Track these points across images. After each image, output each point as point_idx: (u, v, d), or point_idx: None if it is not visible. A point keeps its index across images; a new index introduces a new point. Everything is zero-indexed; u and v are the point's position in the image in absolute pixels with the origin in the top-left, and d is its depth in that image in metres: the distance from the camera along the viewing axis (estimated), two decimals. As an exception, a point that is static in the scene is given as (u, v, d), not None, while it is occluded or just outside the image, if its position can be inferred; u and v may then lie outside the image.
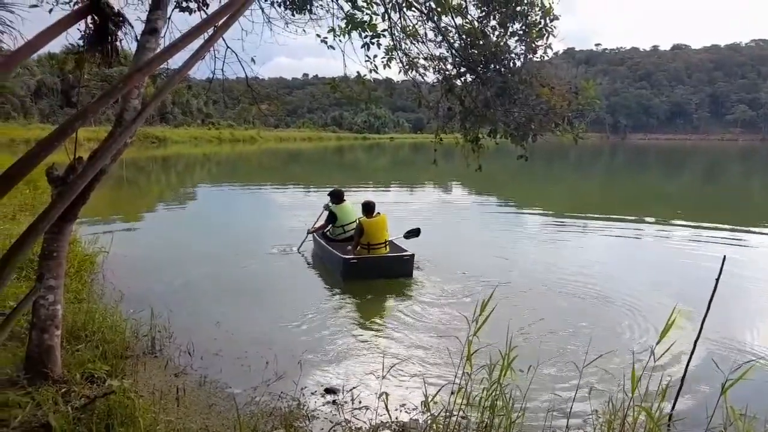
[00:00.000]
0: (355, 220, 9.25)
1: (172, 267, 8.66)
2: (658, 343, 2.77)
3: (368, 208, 8.73)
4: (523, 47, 5.82)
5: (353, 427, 3.75)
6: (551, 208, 17.30)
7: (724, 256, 3.25)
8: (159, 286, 7.45)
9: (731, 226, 13.56)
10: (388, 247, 8.68)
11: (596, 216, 15.06)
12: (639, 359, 2.94)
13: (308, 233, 10.10)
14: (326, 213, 9.91)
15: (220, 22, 3.42)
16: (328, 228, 9.76)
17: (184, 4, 6.30)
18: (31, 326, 3.89)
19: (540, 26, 5.72)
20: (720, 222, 14.10)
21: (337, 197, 9.81)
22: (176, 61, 3.42)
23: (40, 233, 3.02)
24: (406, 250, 8.56)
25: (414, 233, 9.53)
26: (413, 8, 6.16)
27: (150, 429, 3.20)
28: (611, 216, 14.98)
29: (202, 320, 6.07)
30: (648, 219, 14.93)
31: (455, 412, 3.08)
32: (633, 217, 14.89)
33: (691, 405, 4.07)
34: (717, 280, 3.39)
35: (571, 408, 3.16)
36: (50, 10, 5.24)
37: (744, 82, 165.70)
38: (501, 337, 3.02)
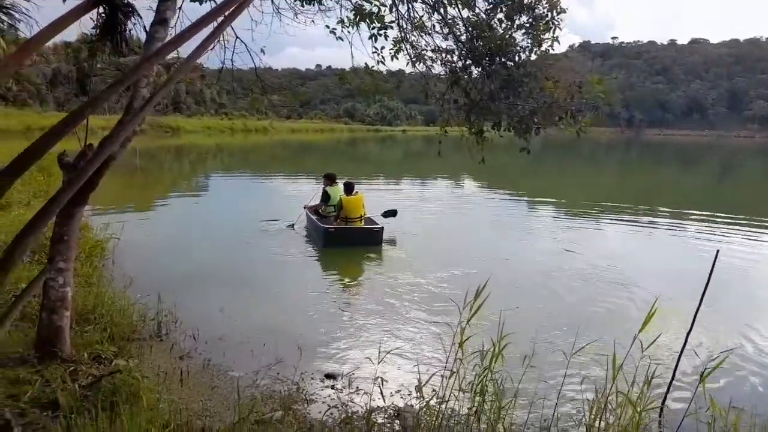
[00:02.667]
0: None
1: (180, 254, 8.85)
2: (639, 331, 2.83)
3: (348, 187, 10.28)
4: (530, 40, 5.83)
5: (350, 411, 3.85)
6: (562, 201, 17.30)
7: (717, 251, 3.31)
8: (167, 273, 7.61)
9: (744, 221, 13.52)
10: (363, 221, 10.19)
11: (607, 209, 15.07)
12: (626, 350, 3.00)
13: (304, 208, 11.39)
14: (321, 191, 11.07)
15: (229, 12, 3.50)
16: (321, 206, 10.95)
17: (195, -5, 6.38)
18: (42, 307, 4.03)
19: (547, 19, 5.73)
20: (732, 217, 14.07)
21: (330, 179, 11.01)
22: (187, 50, 3.50)
23: (50, 217, 3.13)
24: (377, 224, 10.12)
25: (391, 213, 10.96)
26: (420, 0, 6.19)
27: (153, 407, 3.31)
28: (622, 209, 14.98)
29: (208, 306, 6.22)
30: (659, 214, 14.92)
31: (447, 397, 3.16)
32: (644, 212, 14.89)
33: (679, 395, 4.13)
34: (710, 274, 3.44)
35: (559, 394, 3.23)
36: (64, 0, 5.36)
37: (764, 78, 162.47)
38: (494, 324, 3.08)
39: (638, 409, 2.75)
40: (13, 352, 3.93)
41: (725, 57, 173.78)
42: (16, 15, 11.44)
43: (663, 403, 3.58)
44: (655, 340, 2.92)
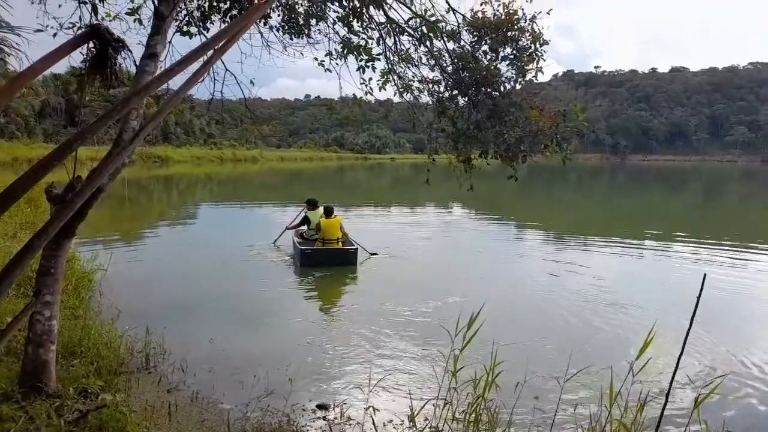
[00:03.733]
0: None
1: (169, 284, 8.78)
2: (636, 359, 2.83)
3: (327, 211, 11.09)
4: (514, 71, 5.97)
5: (342, 443, 3.80)
6: (550, 227, 17.45)
7: (704, 275, 3.33)
8: (155, 303, 7.53)
9: (730, 245, 13.69)
10: (340, 243, 10.82)
11: (594, 234, 15.20)
12: (620, 376, 3.00)
13: (285, 228, 12.26)
14: (302, 215, 11.92)
15: (218, 46, 3.56)
16: (303, 229, 11.70)
17: (185, 29, 6.49)
18: (27, 341, 3.96)
19: (530, 51, 5.88)
20: (718, 241, 14.26)
21: (312, 204, 11.82)
22: (176, 83, 3.54)
23: (37, 249, 3.12)
24: (353, 246, 10.78)
25: (372, 254, 11.41)
26: (406, 33, 6.33)
27: (140, 443, 3.25)
28: (610, 234, 15.10)
29: (196, 336, 6.14)
30: (646, 238, 15.06)
31: (441, 427, 3.13)
32: (631, 236, 15.00)
33: (673, 420, 4.13)
34: (698, 298, 3.46)
35: (553, 421, 3.21)
36: (54, 35, 5.42)
37: (743, 104, 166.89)
38: (486, 351, 3.08)
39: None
40: (-3, 388, 3.85)
41: (705, 85, 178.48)
42: (6, 49, 11.54)
43: (657, 429, 3.57)
44: (645, 365, 2.93)
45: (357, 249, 10.62)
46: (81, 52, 3.92)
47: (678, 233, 15.78)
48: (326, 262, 10.30)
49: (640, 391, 3.12)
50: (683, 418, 4.31)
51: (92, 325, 5.42)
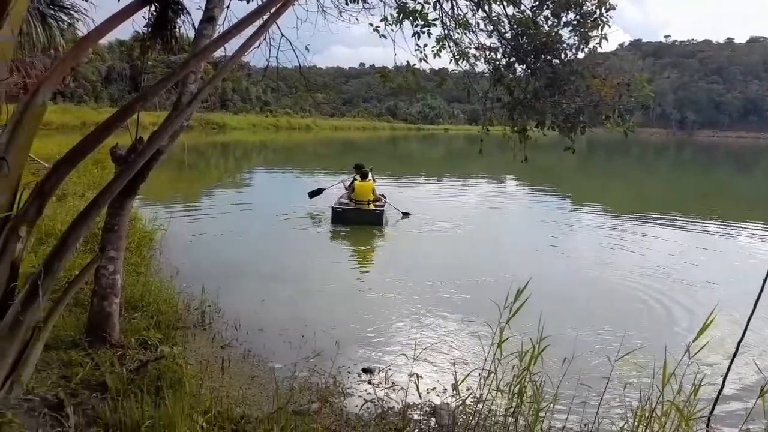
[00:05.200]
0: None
1: (223, 245, 9.10)
2: (694, 340, 2.72)
3: (363, 174, 12.03)
4: (577, 38, 5.70)
5: (386, 406, 3.87)
6: (608, 204, 16.84)
7: (773, 256, 3.13)
8: (211, 264, 7.83)
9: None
10: (371, 205, 11.65)
11: (656, 212, 14.59)
12: (674, 357, 2.89)
13: (340, 182, 13.41)
14: (351, 179, 12.69)
15: (274, 9, 3.56)
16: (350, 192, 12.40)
17: (242, -7, 6.53)
18: (93, 293, 4.21)
19: (595, 16, 5.58)
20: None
21: (357, 168, 12.39)
22: (233, 47, 3.58)
23: (102, 206, 3.27)
24: (380, 208, 11.63)
25: (405, 215, 12.25)
26: (465, -3, 6.14)
27: (195, 393, 3.41)
28: (673, 213, 14.45)
29: (249, 297, 6.36)
30: (712, 218, 14.31)
31: (484, 397, 3.13)
32: (696, 215, 14.30)
33: (729, 407, 3.97)
34: (765, 281, 3.27)
35: (602, 399, 3.14)
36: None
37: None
38: (534, 325, 3.03)
39: (686, 419, 2.65)
40: (66, 336, 4.12)
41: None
42: (75, 15, 11.97)
43: (711, 413, 3.44)
44: (704, 346, 2.80)
45: (383, 211, 11.54)
46: (144, 17, 4.02)
47: (747, 214, 14.93)
48: (354, 220, 11.27)
49: (696, 373, 3.00)
50: (742, 403, 4.14)
51: (152, 281, 5.72)
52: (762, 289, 3.32)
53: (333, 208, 11.43)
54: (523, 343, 3.08)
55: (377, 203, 11.90)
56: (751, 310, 3.44)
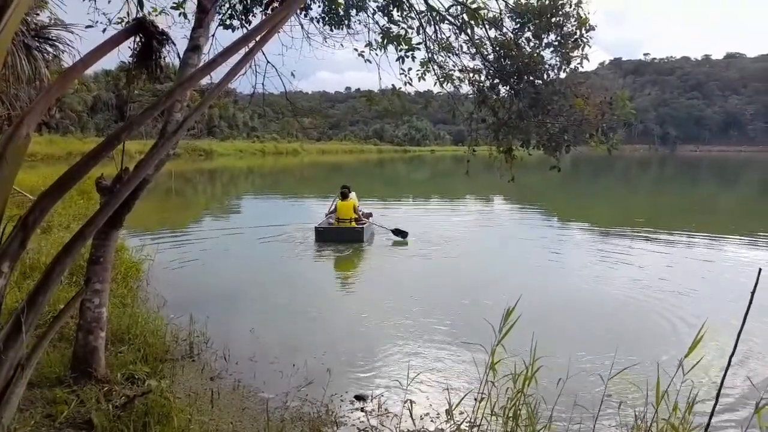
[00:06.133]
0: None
1: (212, 273, 9.00)
2: (686, 356, 2.71)
3: (343, 193, 12.46)
4: (558, 58, 5.79)
5: (379, 434, 3.79)
6: (595, 221, 16.97)
7: (760, 269, 3.14)
8: (199, 292, 7.74)
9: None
10: (353, 222, 12.07)
11: (641, 228, 14.68)
12: (667, 373, 2.88)
13: (326, 215, 13.26)
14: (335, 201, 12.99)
15: (259, 37, 3.58)
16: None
17: (228, 22, 6.59)
18: (78, 328, 4.12)
19: (575, 37, 5.69)
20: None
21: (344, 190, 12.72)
22: (219, 75, 3.58)
23: (87, 238, 3.20)
24: (363, 227, 11.92)
25: (401, 234, 12.29)
26: (447, 21, 6.23)
27: (184, 428, 3.32)
28: (658, 228, 14.55)
29: (238, 325, 6.27)
30: (696, 232, 14.40)
31: (479, 421, 3.08)
32: (681, 230, 14.41)
33: (725, 422, 3.95)
34: (752, 293, 3.28)
35: (596, 419, 3.11)
36: (104, 30, 5.60)
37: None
38: (526, 345, 3.01)
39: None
40: (51, 372, 4.02)
41: (763, 71, 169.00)
42: (60, 46, 11.98)
43: (706, 430, 3.42)
44: (697, 363, 2.79)
45: (363, 228, 11.88)
46: (129, 47, 4.03)
47: (731, 227, 15.11)
48: (336, 238, 11.70)
49: (690, 389, 2.98)
50: (737, 416, 4.12)
51: (139, 313, 5.61)
52: (750, 303, 3.32)
53: (315, 228, 11.92)
54: (516, 365, 3.05)
55: (359, 221, 12.32)
56: (741, 324, 3.44)
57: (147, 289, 7.43)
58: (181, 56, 4.44)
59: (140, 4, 5.15)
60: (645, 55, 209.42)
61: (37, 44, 11.47)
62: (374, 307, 7.31)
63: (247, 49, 3.60)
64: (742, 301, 3.35)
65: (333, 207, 12.82)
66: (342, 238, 11.73)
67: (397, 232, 12.29)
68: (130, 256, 8.43)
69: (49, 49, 11.81)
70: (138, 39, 3.92)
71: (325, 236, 11.76)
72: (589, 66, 5.89)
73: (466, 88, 6.61)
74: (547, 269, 10.05)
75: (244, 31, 6.54)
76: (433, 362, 5.40)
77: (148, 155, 3.62)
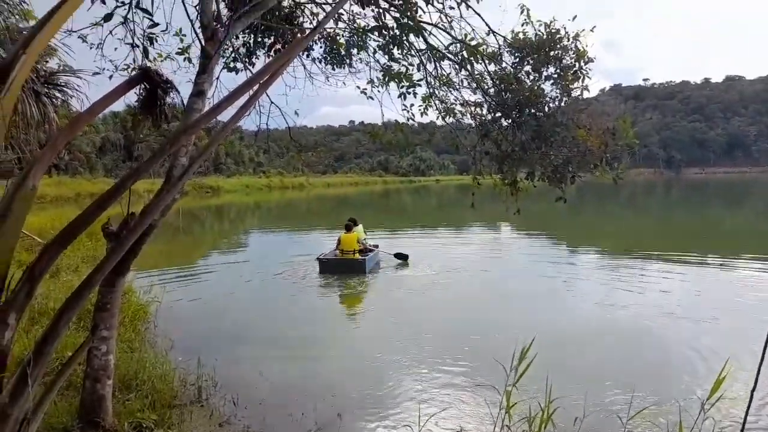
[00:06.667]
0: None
1: (220, 314, 8.93)
2: (708, 398, 2.62)
3: (347, 226, 12.78)
4: (559, 90, 5.84)
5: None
6: (604, 247, 16.85)
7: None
8: (208, 333, 7.66)
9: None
10: (357, 254, 12.33)
11: (650, 255, 14.54)
12: (689, 411, 2.79)
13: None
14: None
15: (263, 80, 3.63)
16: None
17: (232, 65, 6.72)
18: (86, 376, 4.07)
19: (575, 69, 5.75)
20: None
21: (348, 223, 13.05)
22: (224, 117, 3.63)
23: (94, 286, 3.21)
24: (365, 258, 12.19)
25: (402, 257, 13.33)
26: (447, 58, 6.32)
27: (192, 479, 3.24)
28: (667, 254, 14.38)
29: (247, 368, 6.18)
30: (708, 257, 14.23)
31: (495, 466, 2.99)
32: (691, 255, 14.23)
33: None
34: (771, 324, 3.21)
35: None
36: (110, 77, 5.72)
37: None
38: (541, 385, 2.93)
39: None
40: (57, 422, 3.96)
41: (763, 93, 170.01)
42: (69, 91, 12.26)
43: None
44: (718, 400, 2.71)
45: (365, 260, 12.15)
46: (135, 93, 4.10)
47: (743, 251, 14.92)
48: (339, 270, 11.98)
49: (714, 425, 2.88)
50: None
51: (147, 357, 5.54)
52: (770, 334, 3.25)
53: (318, 259, 12.29)
54: (531, 407, 2.97)
55: (363, 252, 12.66)
56: (761, 357, 3.35)
57: (155, 332, 7.38)
58: (186, 102, 4.51)
59: (145, 52, 5.27)
60: (645, 80, 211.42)
61: (47, 90, 11.73)
62: (383, 345, 7.20)
63: (251, 93, 3.67)
64: (762, 325, 3.28)
65: (338, 239, 13.04)
66: (344, 269, 12.02)
67: (399, 255, 13.46)
68: (138, 298, 8.39)
69: (58, 95, 12.06)
70: (143, 86, 4.01)
71: (328, 267, 12.11)
72: (589, 94, 5.95)
73: (468, 121, 6.67)
74: (559, 300, 9.91)
75: (248, 73, 6.67)
76: (445, 404, 5.24)
77: (154, 201, 3.65)
